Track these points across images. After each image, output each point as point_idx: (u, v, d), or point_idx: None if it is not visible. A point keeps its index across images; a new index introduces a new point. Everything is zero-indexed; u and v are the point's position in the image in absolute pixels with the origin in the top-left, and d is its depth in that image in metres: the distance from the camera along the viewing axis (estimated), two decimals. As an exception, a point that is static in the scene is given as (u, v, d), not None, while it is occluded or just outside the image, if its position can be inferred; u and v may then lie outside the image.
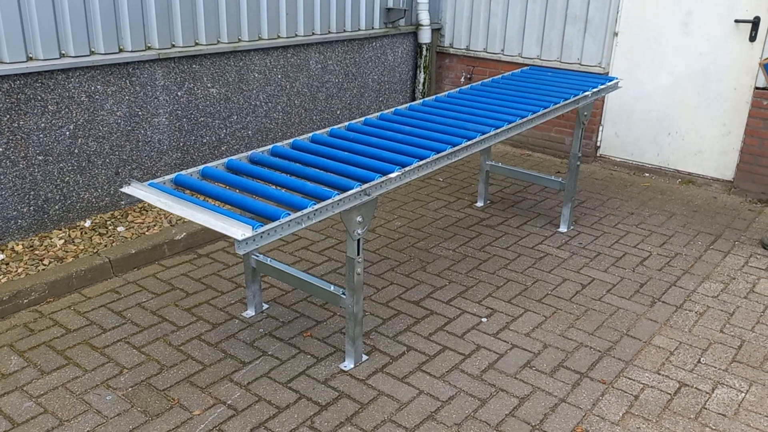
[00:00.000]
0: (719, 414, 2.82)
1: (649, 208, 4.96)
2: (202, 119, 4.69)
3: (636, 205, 5.02)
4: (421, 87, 6.38)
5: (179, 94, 4.50)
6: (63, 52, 3.87)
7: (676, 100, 5.41)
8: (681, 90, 5.38)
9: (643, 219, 4.77)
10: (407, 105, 3.85)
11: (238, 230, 2.29)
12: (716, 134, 5.30)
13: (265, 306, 3.53)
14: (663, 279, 3.92)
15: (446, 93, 4.14)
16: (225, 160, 2.99)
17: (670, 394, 2.93)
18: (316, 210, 2.52)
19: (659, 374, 3.06)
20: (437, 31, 6.45)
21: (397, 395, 2.87)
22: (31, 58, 3.74)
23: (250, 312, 3.46)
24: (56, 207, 4.05)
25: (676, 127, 5.47)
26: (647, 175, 5.66)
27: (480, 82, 4.43)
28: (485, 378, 3.00)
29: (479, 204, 4.96)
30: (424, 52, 6.28)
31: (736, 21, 4.99)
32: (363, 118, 3.59)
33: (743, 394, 2.94)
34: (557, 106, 3.84)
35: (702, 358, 3.18)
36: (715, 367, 3.12)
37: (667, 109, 5.48)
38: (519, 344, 3.26)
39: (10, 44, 3.62)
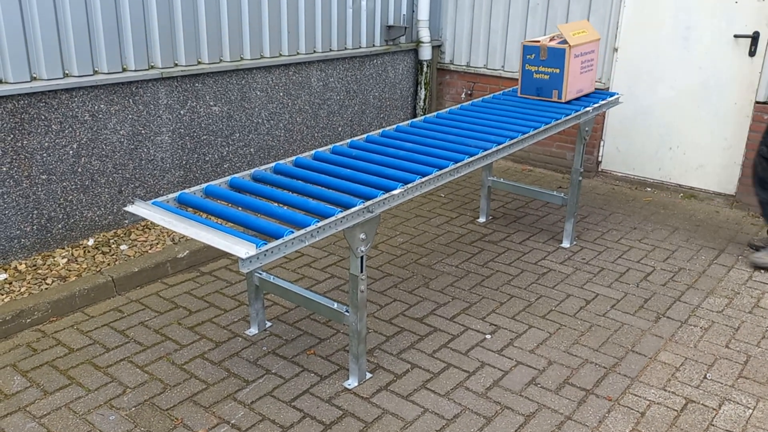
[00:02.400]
0: (727, 431, 2.79)
1: (651, 223, 4.95)
2: (205, 137, 4.71)
3: (639, 219, 5.02)
4: (422, 103, 6.41)
5: (182, 112, 4.52)
6: (66, 71, 3.90)
7: (677, 114, 5.43)
8: (681, 104, 5.39)
9: (646, 234, 4.76)
10: (409, 122, 3.87)
11: (241, 248, 2.29)
12: (717, 148, 5.31)
13: (268, 324, 3.52)
14: (667, 294, 3.91)
15: (448, 109, 4.15)
16: (228, 178, 2.99)
17: (676, 410, 2.91)
18: (320, 227, 2.52)
19: (665, 390, 3.04)
20: (438, 48, 6.49)
21: (401, 414, 2.85)
22: (35, 78, 3.77)
23: (253, 330, 3.45)
24: (59, 226, 4.05)
25: (678, 141, 5.48)
26: (649, 189, 5.66)
27: (481, 98, 4.45)
28: (490, 395, 2.98)
29: (481, 220, 4.96)
30: (425, 69, 6.31)
31: (736, 36, 5.01)
32: (365, 135, 3.60)
33: (750, 411, 2.92)
34: (558, 122, 3.86)
35: (708, 374, 3.17)
36: (722, 383, 3.10)
37: (668, 124, 5.49)
38: (524, 361, 3.24)
39: (14, 64, 3.65)
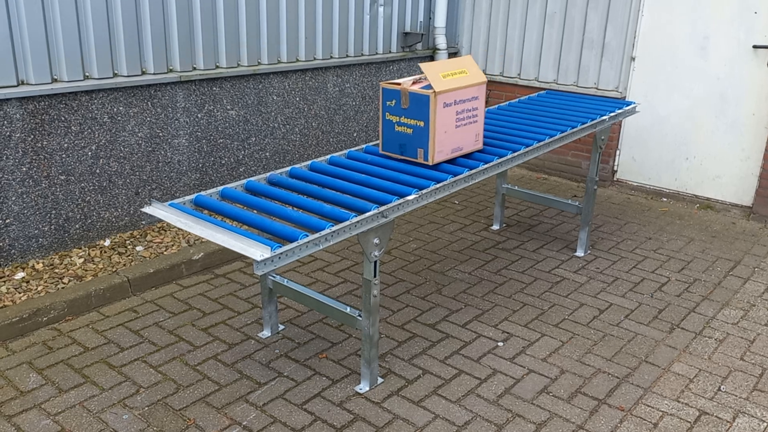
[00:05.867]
0: (740, 443, 2.77)
1: (667, 233, 4.92)
2: (221, 141, 4.75)
3: (654, 230, 4.99)
4: (437, 110, 6.41)
5: (199, 116, 4.57)
6: (87, 74, 3.95)
7: (694, 124, 5.40)
8: (698, 114, 5.36)
9: (662, 244, 4.73)
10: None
11: (256, 251, 2.31)
12: (734, 159, 5.27)
13: (281, 327, 3.53)
14: (682, 305, 3.88)
15: (463, 116, 4.15)
16: (244, 181, 3.02)
17: (690, 422, 2.89)
18: (334, 231, 2.53)
19: (679, 402, 3.02)
20: (454, 56, 6.50)
21: (412, 419, 2.85)
22: (55, 80, 3.82)
23: (266, 333, 3.46)
24: (77, 226, 4.10)
25: (694, 151, 5.45)
26: (665, 199, 5.63)
27: (497, 106, 4.45)
28: (502, 403, 2.97)
29: (495, 227, 4.95)
30: (441, 76, 6.32)
31: (755, 46, 4.98)
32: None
33: (765, 424, 2.89)
34: (575, 130, 3.85)
35: (722, 386, 3.14)
36: (736, 396, 3.07)
37: (685, 134, 5.46)
38: (536, 369, 3.23)
39: (35, 66, 3.70)
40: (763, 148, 5.09)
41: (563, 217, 5.21)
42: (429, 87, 3.06)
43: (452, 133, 3.17)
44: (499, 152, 3.37)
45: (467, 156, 3.34)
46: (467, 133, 3.26)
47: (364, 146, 3.51)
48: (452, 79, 3.12)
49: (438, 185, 2.96)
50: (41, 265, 3.90)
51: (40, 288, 3.64)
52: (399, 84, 3.13)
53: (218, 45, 4.57)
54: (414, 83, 3.13)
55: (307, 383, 3.07)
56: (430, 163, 3.14)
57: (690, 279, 4.21)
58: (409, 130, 3.15)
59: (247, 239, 2.38)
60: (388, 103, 3.19)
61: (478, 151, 3.39)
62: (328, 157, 3.37)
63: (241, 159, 4.92)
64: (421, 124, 3.09)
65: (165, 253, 4.14)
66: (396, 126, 3.19)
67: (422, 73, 3.23)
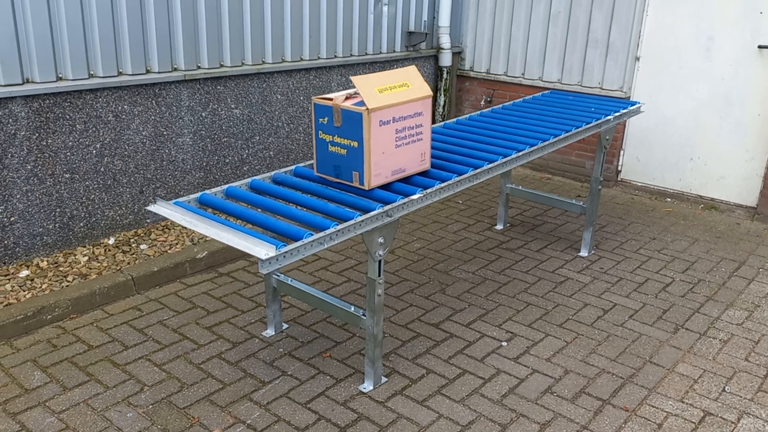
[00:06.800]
0: (745, 444, 2.76)
1: (671, 234, 4.91)
2: (225, 139, 4.75)
3: (658, 230, 4.98)
4: (441, 110, 6.42)
5: (203, 114, 4.57)
6: (92, 72, 3.96)
7: (698, 125, 5.39)
8: (703, 115, 5.35)
9: (666, 244, 4.73)
10: (429, 127, 3.87)
11: (261, 250, 2.31)
12: (739, 160, 5.26)
13: (285, 326, 3.53)
14: (686, 305, 3.88)
15: (468, 116, 4.16)
16: (249, 180, 3.02)
17: (694, 423, 2.88)
18: (339, 231, 2.53)
19: (683, 402, 3.01)
20: (458, 55, 6.50)
21: (416, 419, 2.85)
22: (60, 78, 3.83)
23: (270, 331, 3.46)
24: (81, 224, 4.11)
25: (699, 152, 5.44)
26: (669, 200, 5.62)
27: (501, 105, 4.44)
28: (506, 403, 2.97)
29: (499, 227, 4.95)
30: (445, 76, 6.32)
31: (760, 47, 4.97)
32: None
33: (770, 425, 2.88)
34: (579, 129, 3.84)
35: (727, 387, 3.13)
36: (741, 396, 3.07)
37: (689, 134, 5.45)
38: (540, 369, 3.23)
39: (40, 64, 3.71)
40: (768, 149, 5.08)
41: (567, 217, 5.20)
42: (361, 104, 2.74)
43: (392, 154, 2.86)
44: (504, 151, 3.36)
45: (405, 179, 3.02)
46: (410, 153, 2.95)
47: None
48: (390, 94, 2.82)
49: (442, 184, 2.95)
50: (46, 263, 3.90)
51: (44, 286, 3.65)
52: (331, 99, 2.82)
53: (222, 44, 4.57)
54: (347, 98, 2.83)
55: (311, 382, 3.07)
56: (366, 188, 2.83)
57: (694, 279, 4.20)
58: (343, 151, 2.84)
59: (252, 238, 2.38)
60: (320, 120, 2.88)
61: (423, 173, 3.07)
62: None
63: (245, 158, 4.92)
64: (355, 144, 2.78)
65: (169, 251, 4.15)
66: (330, 146, 2.89)
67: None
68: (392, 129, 2.83)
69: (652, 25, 5.44)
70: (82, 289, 3.62)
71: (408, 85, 2.91)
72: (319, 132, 2.90)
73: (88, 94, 3.95)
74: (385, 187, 2.94)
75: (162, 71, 4.26)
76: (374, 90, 2.77)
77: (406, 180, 3.03)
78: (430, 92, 2.96)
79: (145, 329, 3.47)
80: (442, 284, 4.05)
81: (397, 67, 5.92)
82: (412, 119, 2.90)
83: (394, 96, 2.82)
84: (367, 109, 2.70)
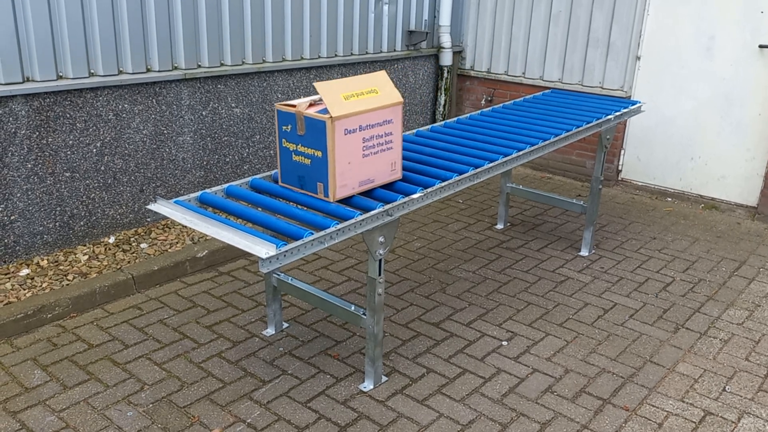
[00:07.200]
0: (746, 444, 2.76)
1: (671, 233, 4.91)
2: (226, 138, 4.75)
3: (658, 229, 4.98)
4: (441, 109, 6.41)
5: (204, 113, 4.57)
6: (92, 71, 3.95)
7: (699, 124, 5.39)
8: (704, 115, 5.35)
9: (666, 244, 4.72)
10: (429, 126, 3.87)
11: (262, 249, 2.31)
12: (740, 159, 5.25)
13: (285, 325, 3.53)
14: (687, 305, 3.87)
15: (468, 115, 4.16)
16: (249, 179, 3.02)
17: (694, 422, 2.88)
18: (339, 230, 2.53)
19: (683, 402, 3.01)
20: (458, 54, 6.50)
21: (416, 418, 2.85)
22: (61, 77, 3.83)
23: (270, 330, 3.46)
24: (81, 223, 4.10)
25: (699, 151, 5.43)
26: (670, 199, 5.62)
27: (502, 105, 4.44)
28: (506, 402, 2.97)
29: (499, 226, 4.95)
30: (445, 75, 6.32)
31: (761, 46, 4.97)
32: (385, 139, 3.60)
33: (770, 425, 2.88)
34: (580, 129, 3.84)
35: (727, 387, 3.13)
36: (741, 396, 3.06)
37: (690, 134, 5.45)
38: (540, 369, 3.22)
39: (41, 62, 3.70)
40: (769, 149, 5.07)
41: (567, 217, 5.20)
42: (325, 112, 2.63)
43: (359, 164, 2.73)
44: (505, 151, 3.36)
45: (382, 188, 2.89)
46: (379, 162, 2.81)
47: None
48: (357, 101, 2.68)
49: (443, 183, 2.95)
50: (46, 261, 3.90)
51: (44, 285, 3.65)
52: (294, 106, 2.69)
53: (223, 43, 4.56)
54: (312, 105, 2.71)
55: (311, 381, 3.07)
56: (331, 200, 2.71)
57: (695, 279, 4.20)
58: (307, 161, 2.72)
59: (253, 237, 2.38)
60: (284, 128, 2.76)
61: (397, 181, 2.94)
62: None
63: (245, 157, 4.92)
64: (319, 154, 2.65)
65: (169, 250, 4.14)
66: (293, 155, 2.76)
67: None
68: (359, 138, 2.70)
69: (653, 25, 5.44)
70: (82, 287, 3.62)
71: (377, 92, 2.78)
72: (283, 140, 2.79)
73: (88, 92, 3.94)
74: (347, 201, 2.79)
75: (162, 70, 4.26)
76: (339, 97, 2.64)
77: (369, 194, 2.87)
78: (400, 99, 2.83)
79: (146, 328, 3.47)
80: (443, 283, 4.05)
81: (397, 67, 5.92)
82: (380, 127, 2.78)
83: (361, 103, 2.69)
84: (331, 117, 2.58)
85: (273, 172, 3.10)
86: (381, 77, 2.84)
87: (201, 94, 4.51)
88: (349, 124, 2.65)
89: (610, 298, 3.93)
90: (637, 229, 4.98)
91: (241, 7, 4.59)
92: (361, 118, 2.69)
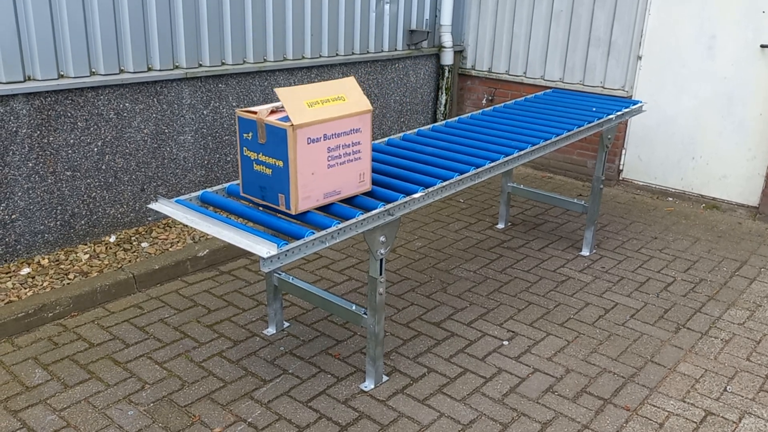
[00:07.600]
0: (747, 444, 2.76)
1: (672, 233, 4.91)
2: (227, 137, 4.75)
3: (660, 229, 4.97)
4: (442, 108, 6.41)
5: (205, 112, 4.57)
6: (93, 70, 3.95)
7: (700, 124, 5.38)
8: (705, 114, 5.34)
9: (667, 244, 4.72)
10: (430, 126, 3.87)
11: (263, 248, 2.31)
12: (741, 159, 5.25)
13: (286, 324, 3.53)
14: (688, 305, 3.87)
15: (469, 114, 4.15)
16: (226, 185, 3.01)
17: (695, 422, 2.88)
18: (340, 229, 2.53)
19: (684, 402, 3.01)
20: (459, 53, 6.49)
21: (417, 417, 2.85)
22: (62, 76, 3.83)
23: (271, 330, 3.46)
24: (82, 222, 4.10)
25: (700, 151, 5.43)
26: (671, 199, 5.61)
27: (503, 104, 4.44)
28: (507, 402, 2.97)
29: (500, 226, 4.94)
30: (446, 74, 6.32)
31: (762, 46, 4.96)
32: (386, 139, 3.61)
33: (771, 425, 2.88)
34: (581, 128, 3.84)
35: (728, 387, 3.13)
36: (742, 396, 3.06)
37: (691, 133, 5.44)
38: (541, 368, 3.22)
39: (42, 61, 3.70)
40: (770, 148, 5.07)
41: (568, 216, 5.20)
42: (286, 120, 2.49)
43: (323, 175, 2.59)
44: (506, 150, 3.36)
45: (349, 201, 2.75)
46: (346, 173, 2.67)
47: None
48: (322, 108, 2.54)
49: (444, 183, 2.95)
50: (47, 260, 3.90)
51: (45, 284, 3.65)
52: (255, 113, 2.55)
53: (224, 42, 4.56)
54: (273, 112, 2.57)
55: (312, 381, 3.07)
56: (293, 212, 2.57)
57: (696, 279, 4.20)
58: (269, 171, 2.57)
59: (254, 236, 2.38)
60: (245, 135, 2.61)
61: (366, 193, 2.80)
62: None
63: (246, 156, 4.91)
64: (281, 164, 2.51)
65: (170, 249, 4.14)
66: (255, 164, 2.62)
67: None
68: (323, 147, 2.56)
69: (654, 24, 5.43)
70: (83, 286, 3.62)
71: (344, 99, 2.63)
72: (244, 149, 2.64)
73: (89, 91, 3.94)
74: (313, 212, 2.66)
75: (163, 69, 4.25)
76: (302, 104, 2.50)
77: (325, 209, 2.71)
78: (369, 107, 2.69)
79: (146, 327, 3.47)
80: (444, 283, 4.05)
81: (398, 66, 5.92)
82: (347, 136, 2.64)
83: (326, 111, 2.55)
84: (292, 125, 2.44)
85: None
86: (348, 83, 2.70)
87: (202, 93, 4.51)
88: (313, 132, 2.51)
89: (611, 297, 3.93)
90: (638, 228, 4.97)
91: (243, 6, 4.58)
92: (326, 127, 2.56)
